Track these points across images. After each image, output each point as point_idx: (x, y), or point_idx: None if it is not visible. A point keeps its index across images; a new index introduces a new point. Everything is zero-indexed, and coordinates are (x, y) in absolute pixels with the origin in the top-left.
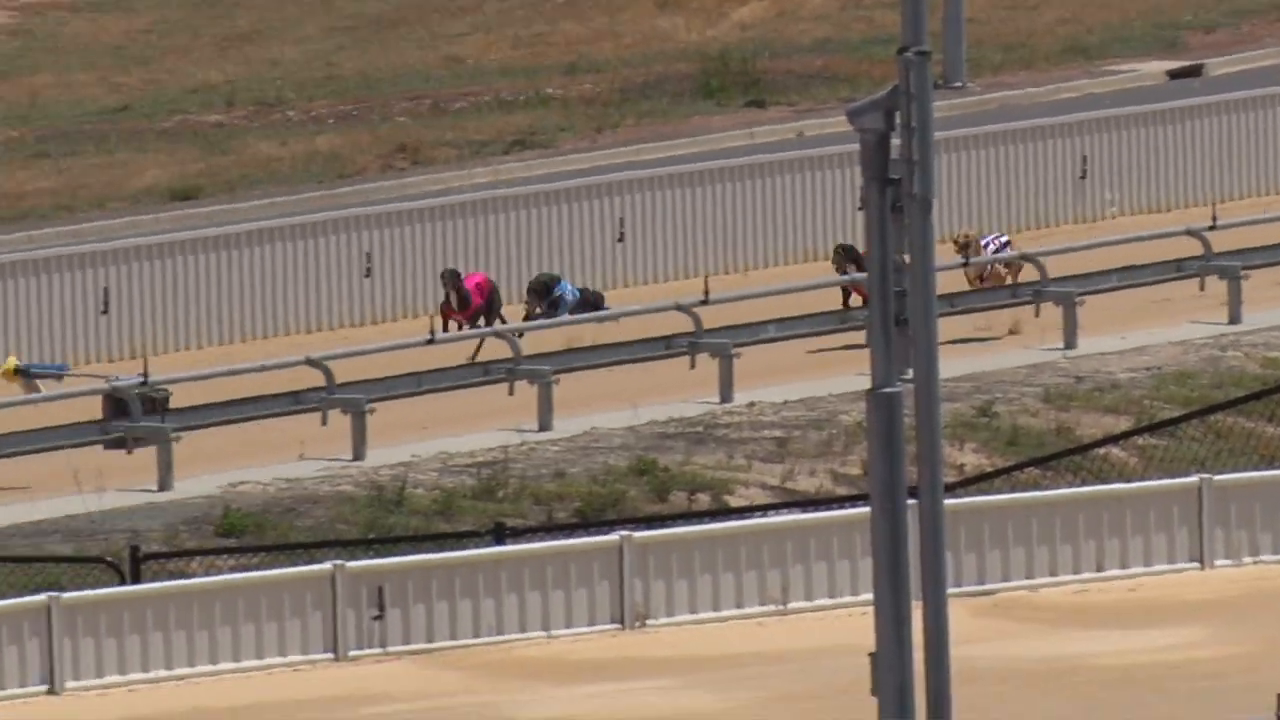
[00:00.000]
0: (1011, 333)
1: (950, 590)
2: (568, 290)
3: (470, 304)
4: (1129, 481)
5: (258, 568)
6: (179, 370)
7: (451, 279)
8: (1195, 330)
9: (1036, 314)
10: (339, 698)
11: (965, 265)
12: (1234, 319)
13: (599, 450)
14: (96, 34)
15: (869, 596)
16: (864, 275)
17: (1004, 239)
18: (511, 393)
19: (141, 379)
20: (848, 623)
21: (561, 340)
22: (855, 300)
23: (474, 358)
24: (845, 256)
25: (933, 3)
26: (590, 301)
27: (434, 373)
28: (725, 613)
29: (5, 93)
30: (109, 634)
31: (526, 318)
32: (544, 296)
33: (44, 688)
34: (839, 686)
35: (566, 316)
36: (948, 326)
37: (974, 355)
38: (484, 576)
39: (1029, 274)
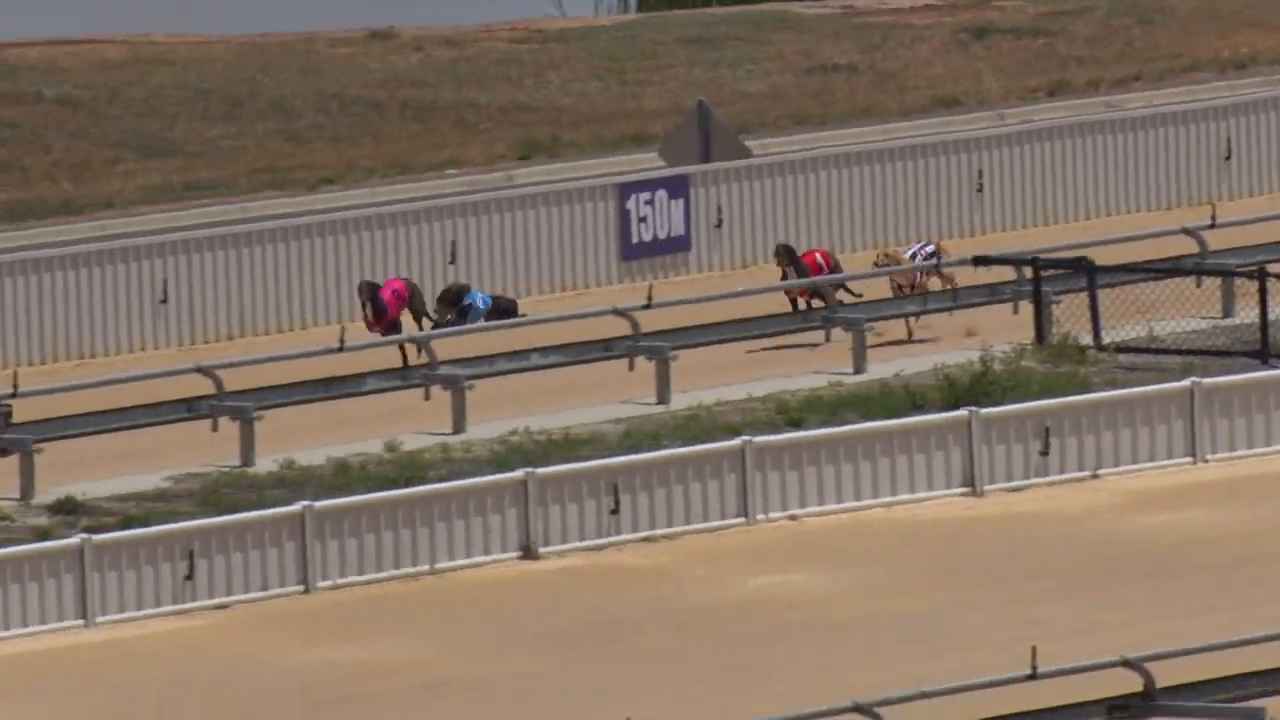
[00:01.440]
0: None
1: None
2: (478, 298)
3: (386, 314)
4: None
5: None
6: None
7: (367, 290)
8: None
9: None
10: None
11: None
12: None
13: None
14: None
15: None
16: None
17: (930, 248)
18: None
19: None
20: None
21: (475, 347)
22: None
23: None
24: (786, 258)
25: None
26: (503, 308)
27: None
28: None
29: None
30: None
31: (435, 327)
32: (454, 305)
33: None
34: None
35: (481, 323)
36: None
37: None
38: None
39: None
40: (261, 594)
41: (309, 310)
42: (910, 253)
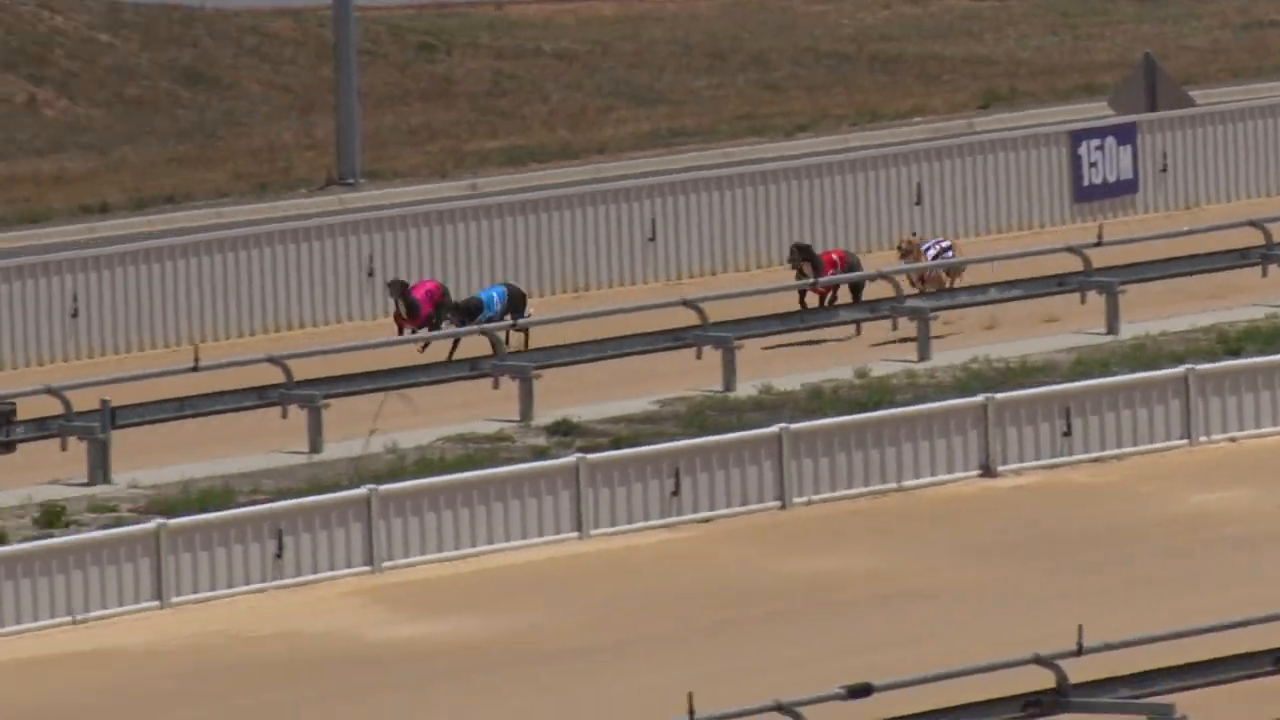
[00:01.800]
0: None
1: None
2: (495, 298)
3: (419, 312)
4: None
5: None
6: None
7: (399, 289)
8: None
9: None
10: None
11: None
12: None
13: None
14: None
15: None
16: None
17: (945, 244)
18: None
19: None
20: None
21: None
22: (813, 299)
23: (450, 357)
24: (800, 256)
25: None
26: (515, 297)
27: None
28: None
29: None
30: None
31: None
32: (473, 317)
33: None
34: None
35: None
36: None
37: None
38: None
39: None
40: (741, 509)
41: (784, 249)
42: (927, 248)
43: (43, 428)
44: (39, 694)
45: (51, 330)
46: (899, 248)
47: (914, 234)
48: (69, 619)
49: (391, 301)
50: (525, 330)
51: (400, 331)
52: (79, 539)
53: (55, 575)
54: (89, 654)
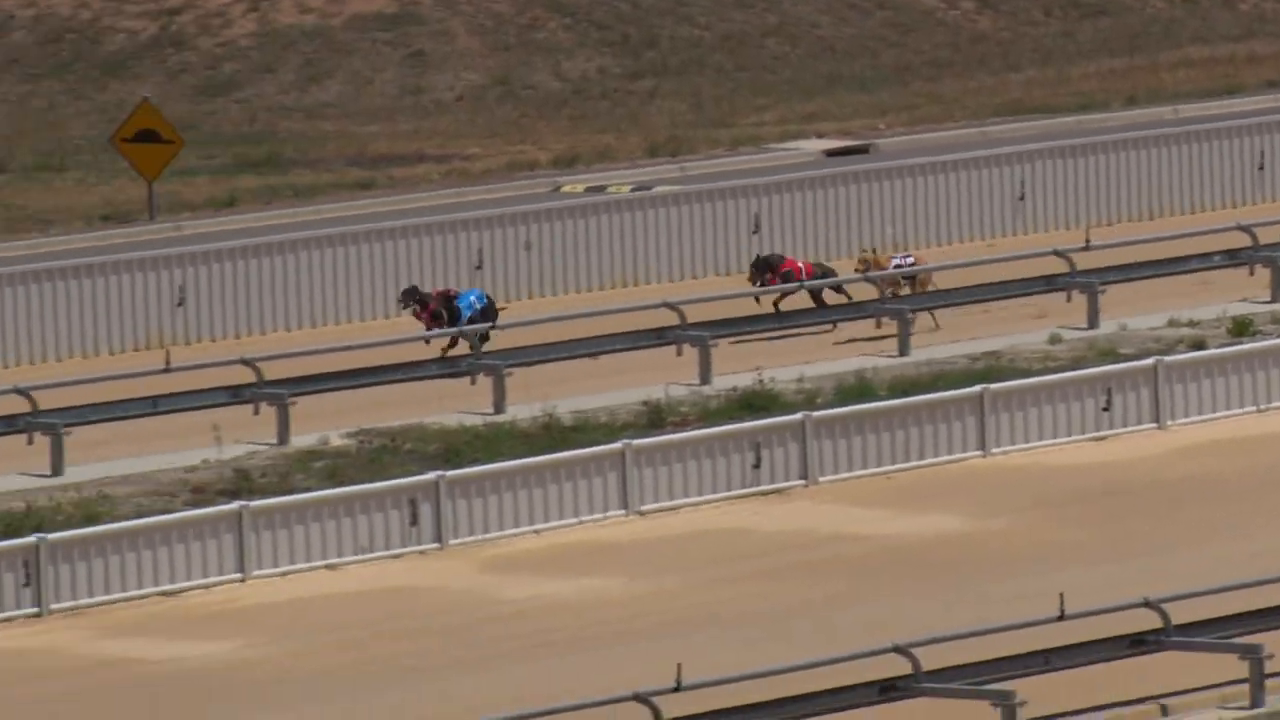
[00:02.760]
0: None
1: None
2: (468, 301)
3: (441, 317)
4: None
5: None
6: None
7: (415, 296)
8: None
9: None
10: None
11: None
12: None
13: None
14: None
15: None
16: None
17: (909, 258)
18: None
19: None
20: None
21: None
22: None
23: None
24: (763, 267)
25: None
26: (489, 308)
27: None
28: None
29: None
30: None
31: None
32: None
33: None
34: None
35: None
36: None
37: None
38: None
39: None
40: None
41: None
42: (896, 261)
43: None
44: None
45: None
46: (861, 261)
47: (872, 249)
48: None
49: (412, 308)
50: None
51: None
52: None
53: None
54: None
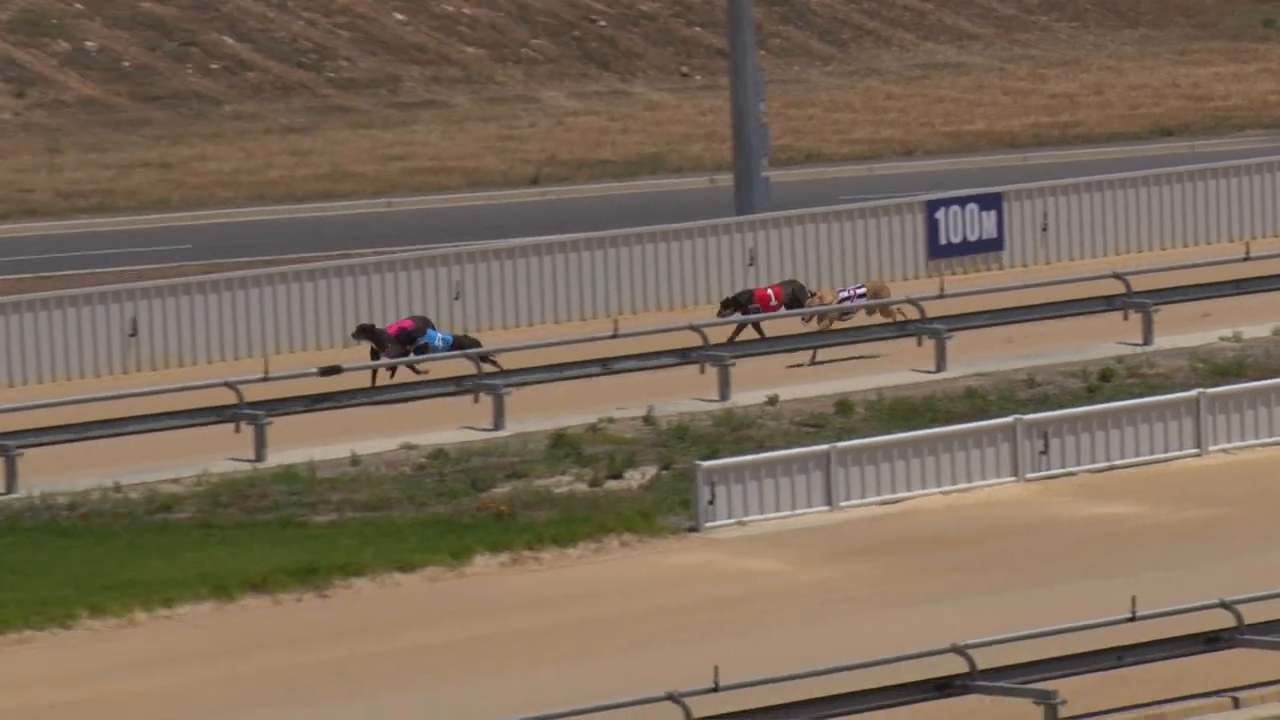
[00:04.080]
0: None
1: None
2: (435, 338)
3: (385, 345)
4: None
5: None
6: None
7: (366, 332)
8: None
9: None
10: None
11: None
12: None
13: None
14: None
15: None
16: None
17: (860, 289)
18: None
19: None
20: None
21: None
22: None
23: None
24: (734, 307)
25: None
26: (462, 344)
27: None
28: None
29: None
30: None
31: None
32: (410, 344)
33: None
34: None
35: (444, 351)
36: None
37: None
38: None
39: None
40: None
41: None
42: (844, 294)
43: None
44: None
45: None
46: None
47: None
48: None
49: (362, 343)
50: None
51: (374, 358)
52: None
53: None
54: None
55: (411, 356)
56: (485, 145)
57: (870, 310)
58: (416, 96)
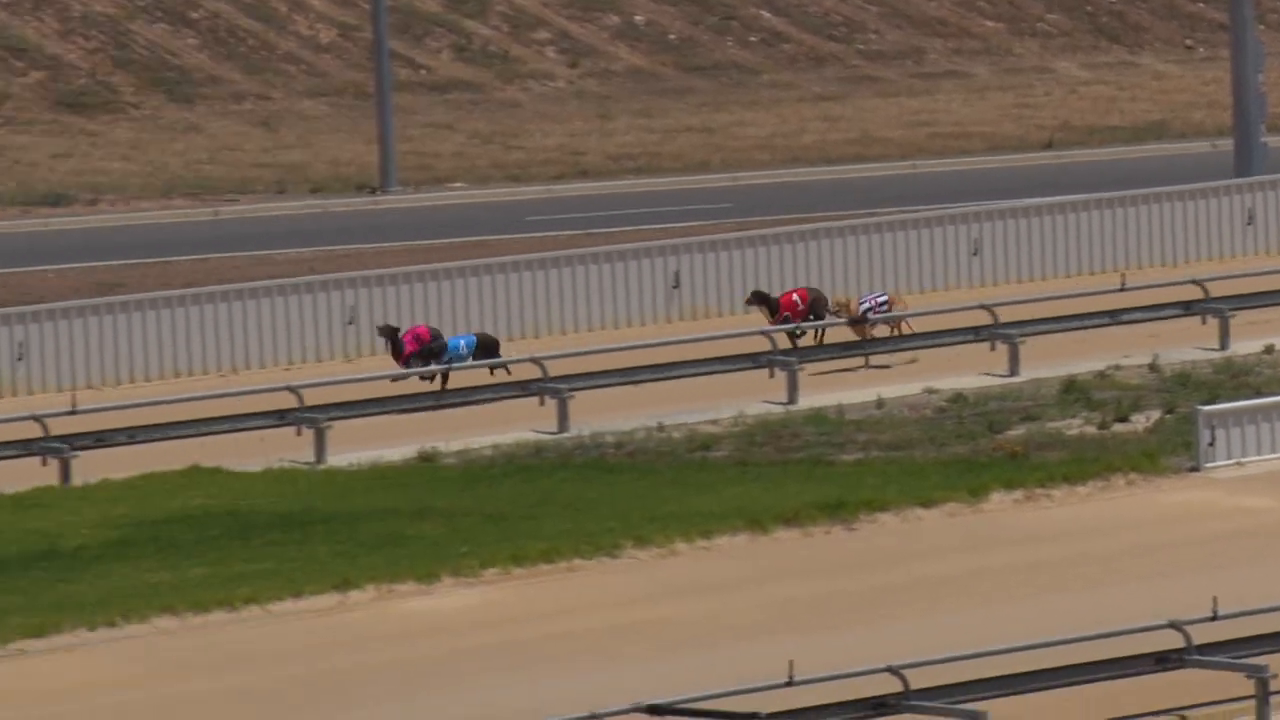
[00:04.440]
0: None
1: None
2: (460, 344)
3: (404, 352)
4: None
5: None
6: None
7: (388, 333)
8: None
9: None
10: None
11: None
12: None
13: None
14: None
15: None
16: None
17: (882, 298)
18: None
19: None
20: None
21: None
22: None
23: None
24: (756, 299)
25: None
26: (486, 344)
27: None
28: None
29: None
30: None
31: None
32: (435, 358)
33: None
34: None
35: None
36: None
37: None
38: None
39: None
40: None
41: None
42: (864, 302)
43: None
44: None
45: None
46: (835, 307)
47: (847, 296)
48: None
49: (384, 343)
50: (506, 368)
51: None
52: None
53: None
54: None
55: (433, 365)
56: (1003, 112)
57: None
58: (939, 67)
